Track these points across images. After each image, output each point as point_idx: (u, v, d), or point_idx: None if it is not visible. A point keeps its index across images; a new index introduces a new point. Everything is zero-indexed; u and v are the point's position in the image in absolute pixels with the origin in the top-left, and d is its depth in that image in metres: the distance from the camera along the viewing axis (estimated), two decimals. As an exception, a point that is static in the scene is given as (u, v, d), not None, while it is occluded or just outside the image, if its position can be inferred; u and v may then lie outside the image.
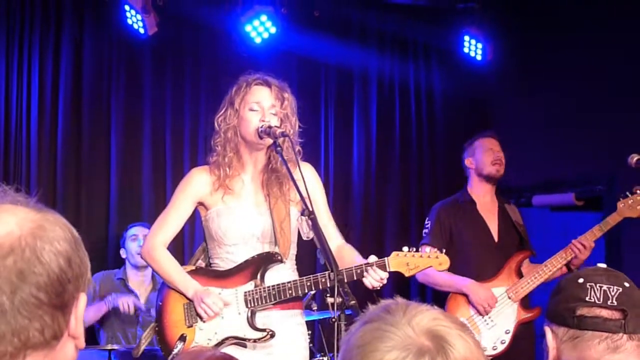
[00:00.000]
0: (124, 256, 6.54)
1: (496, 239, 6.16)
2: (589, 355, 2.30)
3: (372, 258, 4.22)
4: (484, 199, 6.26)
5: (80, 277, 1.59)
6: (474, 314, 5.90)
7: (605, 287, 2.32)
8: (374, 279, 4.16)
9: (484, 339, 5.83)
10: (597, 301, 2.31)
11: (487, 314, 5.87)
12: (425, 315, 1.68)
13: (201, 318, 4.35)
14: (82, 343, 1.61)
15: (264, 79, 4.48)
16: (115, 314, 6.33)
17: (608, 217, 5.92)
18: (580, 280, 2.35)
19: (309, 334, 4.93)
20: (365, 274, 4.17)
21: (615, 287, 2.32)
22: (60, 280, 1.53)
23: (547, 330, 2.39)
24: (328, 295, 3.89)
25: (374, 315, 1.71)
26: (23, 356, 1.51)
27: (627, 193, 5.85)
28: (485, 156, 6.20)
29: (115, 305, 6.19)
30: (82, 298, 1.60)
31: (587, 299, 2.32)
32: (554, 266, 5.93)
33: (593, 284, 2.33)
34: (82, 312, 1.60)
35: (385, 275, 4.18)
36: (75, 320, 1.58)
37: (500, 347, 5.87)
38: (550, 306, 2.40)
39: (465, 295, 5.92)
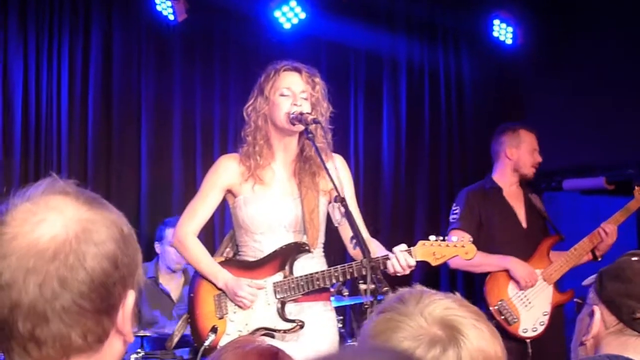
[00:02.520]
0: (158, 251, 6.49)
1: (524, 226, 6.16)
2: (631, 349, 2.28)
3: (402, 246, 4.21)
4: (510, 187, 6.25)
5: (129, 276, 1.56)
6: (513, 295, 5.91)
7: None
8: (399, 263, 4.14)
9: (523, 320, 5.87)
10: None
11: (527, 290, 5.87)
12: (439, 305, 1.67)
13: (239, 307, 4.36)
14: (130, 338, 1.60)
15: (293, 65, 4.47)
16: (150, 300, 6.34)
17: (628, 203, 5.93)
18: None
19: (340, 319, 4.93)
20: (390, 259, 4.16)
21: None
22: (105, 285, 1.51)
23: (597, 311, 2.36)
24: (361, 281, 3.89)
25: (388, 305, 1.71)
26: (66, 359, 1.51)
27: None
28: (529, 157, 6.20)
29: None
30: (131, 295, 1.58)
31: None
32: (583, 250, 5.96)
33: None
34: (130, 309, 1.58)
35: (412, 262, 4.17)
36: (123, 318, 1.56)
37: (540, 329, 5.89)
38: (609, 289, 2.35)
39: (505, 276, 5.91)
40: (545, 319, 5.91)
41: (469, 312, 1.68)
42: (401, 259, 4.14)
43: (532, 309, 5.90)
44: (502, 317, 5.84)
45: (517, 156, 6.19)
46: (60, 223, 1.50)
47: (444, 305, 1.67)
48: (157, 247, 6.49)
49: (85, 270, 1.48)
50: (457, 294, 1.77)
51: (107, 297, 1.51)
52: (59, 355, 1.50)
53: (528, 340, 5.84)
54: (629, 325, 2.29)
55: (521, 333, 5.85)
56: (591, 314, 2.37)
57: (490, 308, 5.85)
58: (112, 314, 1.54)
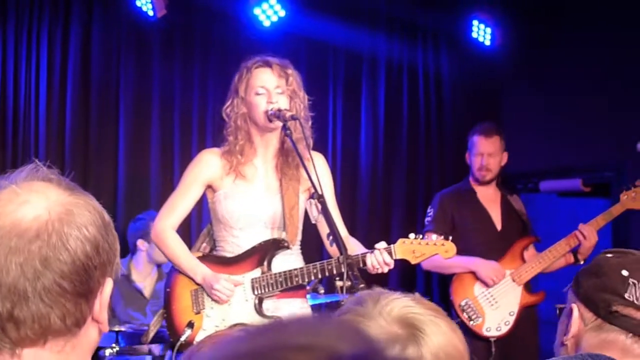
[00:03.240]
0: (142, 247, 6.35)
1: (499, 227, 6.21)
2: (612, 347, 2.28)
3: (382, 244, 4.20)
4: (485, 189, 6.28)
5: (108, 263, 1.57)
6: (479, 294, 5.95)
7: None
8: (378, 260, 4.13)
9: (488, 319, 5.89)
10: (635, 301, 2.27)
11: (493, 288, 5.89)
12: (397, 304, 1.67)
13: (216, 301, 4.35)
14: (105, 327, 1.60)
15: (264, 60, 4.44)
16: (123, 299, 6.30)
17: (611, 207, 5.96)
18: (624, 273, 2.31)
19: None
20: (369, 255, 4.15)
21: None
22: (85, 268, 1.51)
23: (575, 309, 2.36)
24: (337, 278, 3.89)
25: (347, 307, 1.72)
26: (43, 342, 1.51)
27: (630, 185, 5.88)
28: (475, 160, 6.25)
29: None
30: (109, 283, 1.58)
31: (625, 295, 2.28)
32: (558, 252, 5.96)
33: (636, 282, 2.28)
34: (107, 298, 1.59)
35: (390, 260, 4.16)
36: (100, 306, 1.57)
37: (505, 329, 5.90)
38: (584, 285, 2.35)
39: (471, 276, 5.95)
40: (512, 319, 5.92)
41: (427, 309, 1.68)
42: (379, 256, 4.13)
43: (498, 308, 5.92)
44: (466, 316, 5.88)
45: (469, 160, 6.31)
46: (44, 205, 1.51)
47: (402, 304, 1.67)
48: (142, 243, 6.33)
49: (67, 250, 1.49)
50: (417, 294, 1.78)
51: (86, 280, 1.52)
52: (37, 336, 1.50)
53: (492, 340, 5.87)
54: (606, 320, 2.28)
55: (485, 332, 5.88)
56: (569, 314, 2.37)
57: (455, 307, 5.90)
58: (90, 299, 1.54)
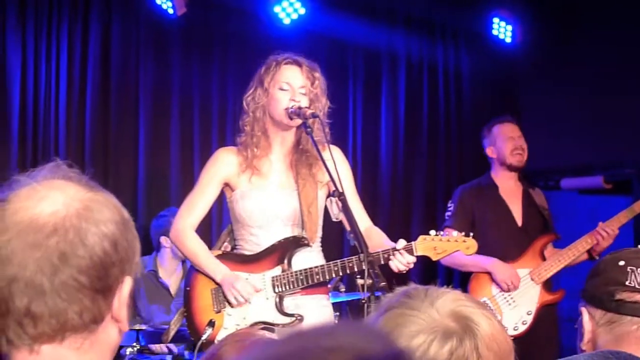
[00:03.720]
0: (166, 244, 6.36)
1: (520, 223, 6.16)
2: (627, 340, 2.27)
3: (401, 242, 4.19)
4: (507, 183, 6.25)
5: (127, 261, 1.57)
6: (496, 294, 5.92)
7: None
8: (401, 262, 4.13)
9: (505, 319, 5.85)
10: (637, 286, 2.28)
11: (510, 292, 5.87)
12: (448, 297, 1.67)
13: (230, 304, 4.35)
14: (125, 326, 1.60)
15: (294, 59, 4.45)
16: (148, 295, 6.31)
17: (634, 204, 5.92)
18: (621, 263, 2.32)
19: (336, 316, 4.92)
20: (391, 257, 4.15)
21: None
22: (103, 264, 1.51)
23: (584, 312, 2.36)
24: (358, 277, 3.88)
25: (395, 301, 1.70)
26: (61, 338, 1.51)
27: None
28: (506, 145, 6.17)
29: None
30: (128, 282, 1.58)
31: (627, 283, 2.28)
32: (578, 250, 5.93)
33: (634, 268, 2.30)
34: (126, 296, 1.58)
35: (412, 259, 4.16)
36: (119, 304, 1.57)
37: (522, 328, 5.88)
38: (588, 287, 2.37)
39: (489, 275, 5.92)
40: (529, 318, 5.89)
41: (476, 303, 1.68)
42: (401, 258, 4.13)
43: (515, 307, 5.89)
44: None
45: (497, 152, 6.22)
46: (62, 201, 1.51)
47: (453, 297, 1.67)
48: (165, 240, 6.32)
49: (85, 246, 1.49)
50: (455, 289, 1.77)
51: (104, 277, 1.52)
52: (55, 332, 1.50)
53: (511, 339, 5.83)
54: (615, 311, 2.28)
55: None
56: (579, 317, 2.38)
57: (474, 306, 5.87)
58: (108, 296, 1.54)
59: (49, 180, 1.56)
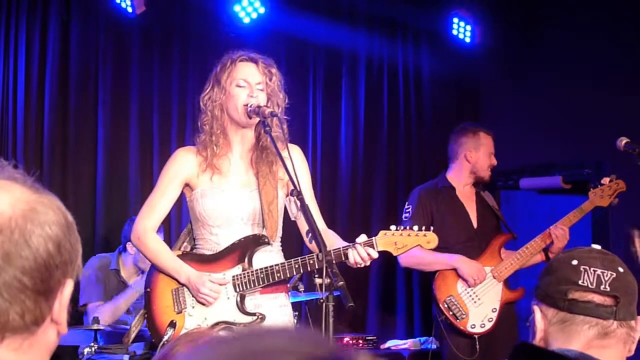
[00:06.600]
0: (131, 252, 6.29)
1: (475, 225, 6.23)
2: (578, 340, 2.27)
3: (362, 237, 4.18)
4: (464, 187, 6.32)
5: (70, 263, 1.56)
6: (462, 292, 5.96)
7: (599, 271, 2.28)
8: (361, 255, 4.11)
9: (472, 317, 5.91)
10: (590, 285, 2.27)
11: (475, 288, 5.91)
12: None
13: (201, 303, 4.32)
14: (64, 329, 1.59)
15: (249, 56, 4.44)
16: (107, 290, 6.27)
17: (583, 203, 6.04)
18: (574, 262, 2.32)
19: (295, 315, 4.91)
20: (350, 250, 4.14)
21: (609, 272, 2.28)
22: (47, 266, 1.50)
23: (536, 310, 2.35)
24: (316, 276, 3.87)
25: None
26: (1, 338, 1.49)
27: (598, 183, 5.98)
28: (487, 160, 6.28)
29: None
30: (69, 284, 1.57)
31: (580, 282, 2.28)
32: (534, 249, 6.04)
33: (587, 267, 2.29)
34: (67, 299, 1.57)
35: (374, 253, 4.15)
36: (60, 306, 1.56)
37: (488, 325, 5.94)
38: (541, 286, 2.36)
39: (454, 272, 5.96)
40: (494, 315, 5.96)
41: None
42: (362, 251, 4.12)
43: (480, 305, 5.95)
44: (451, 313, 5.90)
45: (475, 159, 6.26)
46: (7, 201, 1.50)
47: None
48: (131, 247, 6.25)
49: (29, 247, 1.48)
50: None
51: (47, 279, 1.51)
52: None
53: (476, 336, 5.89)
54: (567, 310, 2.28)
55: (469, 329, 5.90)
56: (532, 316, 2.37)
57: (440, 304, 5.91)
58: (49, 298, 1.53)
59: None
